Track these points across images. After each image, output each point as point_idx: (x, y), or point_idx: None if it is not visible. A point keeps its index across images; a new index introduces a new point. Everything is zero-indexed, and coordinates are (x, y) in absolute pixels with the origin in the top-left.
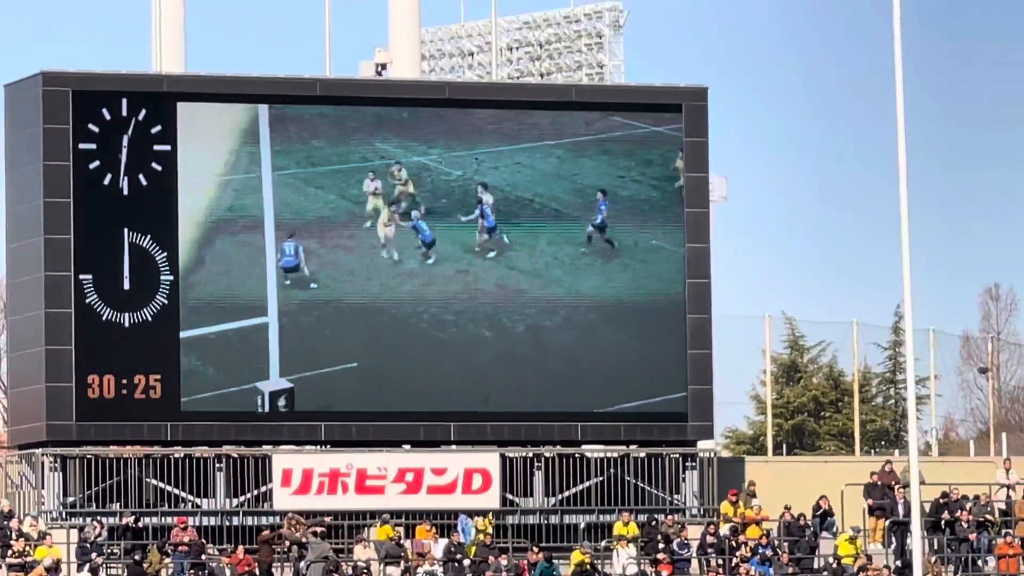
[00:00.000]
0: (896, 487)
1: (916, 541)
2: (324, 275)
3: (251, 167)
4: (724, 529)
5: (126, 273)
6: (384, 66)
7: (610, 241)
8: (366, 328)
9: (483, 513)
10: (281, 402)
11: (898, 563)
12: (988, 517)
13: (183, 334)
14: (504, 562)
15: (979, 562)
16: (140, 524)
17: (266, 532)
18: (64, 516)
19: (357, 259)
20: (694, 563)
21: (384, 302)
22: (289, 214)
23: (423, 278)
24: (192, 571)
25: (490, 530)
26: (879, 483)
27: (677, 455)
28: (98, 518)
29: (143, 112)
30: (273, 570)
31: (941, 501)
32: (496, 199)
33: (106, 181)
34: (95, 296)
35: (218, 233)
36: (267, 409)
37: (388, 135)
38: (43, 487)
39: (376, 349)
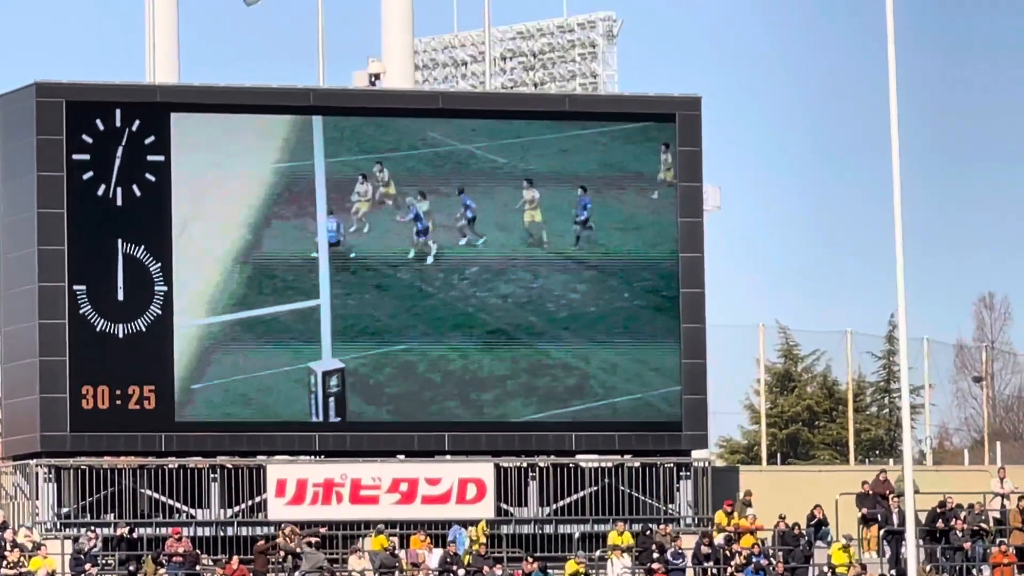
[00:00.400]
0: (891, 496)
1: (911, 550)
2: (365, 260)
3: (305, 155)
4: (718, 539)
5: (120, 284)
6: (377, 76)
7: (591, 234)
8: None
9: (476, 522)
10: (333, 381)
11: (893, 572)
12: (983, 526)
13: (238, 315)
14: (499, 572)
15: (974, 571)
16: (134, 535)
17: (261, 543)
18: (58, 527)
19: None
20: (689, 572)
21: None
22: (337, 203)
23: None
24: None
25: (483, 539)
26: (871, 492)
27: (671, 465)
28: (93, 529)
29: (137, 123)
30: None
31: (938, 510)
32: (539, 192)
33: (100, 192)
34: (89, 307)
35: (270, 219)
36: (319, 389)
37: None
38: (37, 498)
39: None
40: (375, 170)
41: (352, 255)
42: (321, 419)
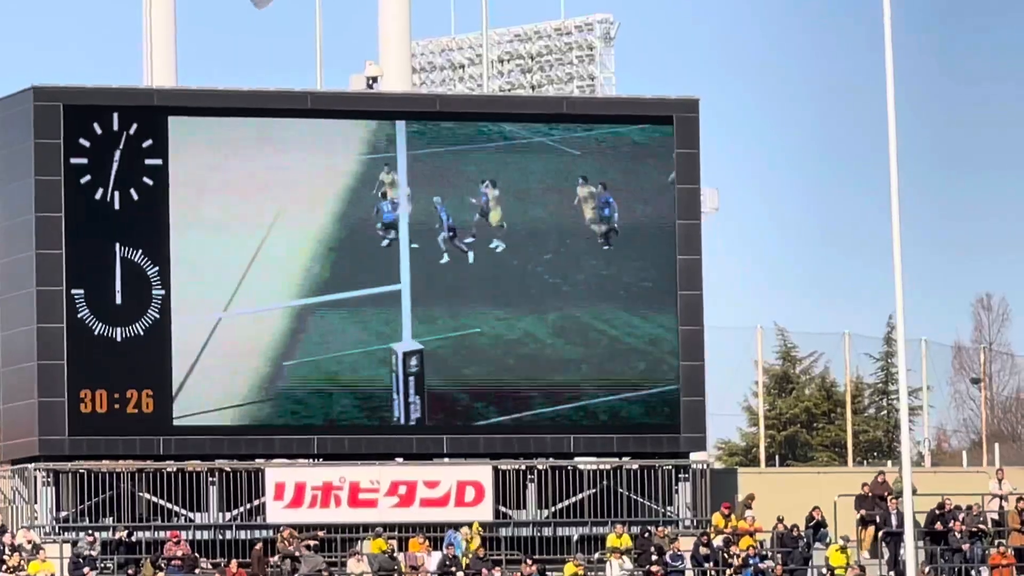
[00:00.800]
0: (889, 497)
1: (909, 551)
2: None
3: (389, 147)
4: (717, 541)
5: (118, 287)
6: (375, 79)
7: (615, 231)
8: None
9: (469, 524)
10: (413, 362)
11: (891, 574)
12: (981, 527)
13: (325, 298)
14: (497, 574)
15: (972, 572)
16: (133, 538)
17: (259, 547)
18: (57, 531)
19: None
20: (688, 574)
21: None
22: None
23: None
24: None
25: (478, 540)
26: (870, 494)
27: (670, 467)
28: (91, 532)
29: (134, 126)
30: None
31: (936, 512)
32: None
33: (97, 195)
34: (87, 311)
35: (355, 207)
36: (400, 368)
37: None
38: (36, 502)
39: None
40: (384, 172)
41: (426, 243)
42: (402, 396)
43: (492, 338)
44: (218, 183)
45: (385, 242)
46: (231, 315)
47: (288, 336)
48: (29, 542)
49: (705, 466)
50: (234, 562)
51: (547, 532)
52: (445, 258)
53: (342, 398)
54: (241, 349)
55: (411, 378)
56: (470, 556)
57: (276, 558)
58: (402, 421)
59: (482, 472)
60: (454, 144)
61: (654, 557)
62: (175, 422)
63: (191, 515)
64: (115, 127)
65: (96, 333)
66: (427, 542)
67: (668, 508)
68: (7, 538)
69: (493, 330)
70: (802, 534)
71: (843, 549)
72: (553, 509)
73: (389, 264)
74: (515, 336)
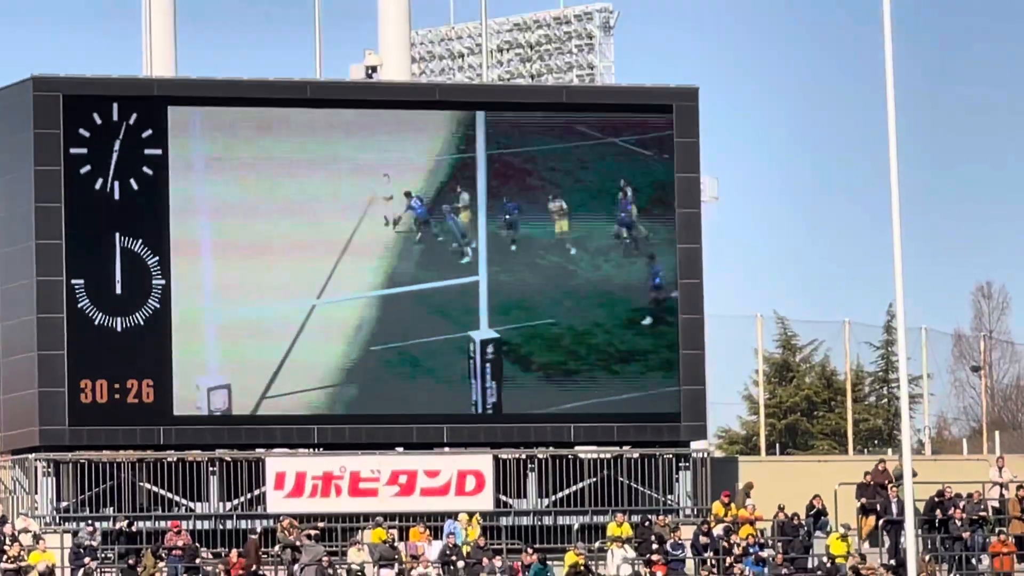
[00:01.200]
0: (889, 486)
1: (910, 540)
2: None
3: (469, 148)
4: (718, 529)
5: (118, 277)
6: (374, 68)
7: (634, 235)
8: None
9: (470, 513)
10: (490, 349)
11: (892, 562)
12: (982, 515)
13: (408, 288)
14: (498, 564)
15: (973, 560)
16: (134, 528)
17: (253, 538)
18: (58, 521)
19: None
20: (688, 563)
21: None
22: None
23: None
24: (186, 575)
25: (478, 530)
26: (871, 482)
27: (670, 455)
28: (92, 522)
29: (134, 116)
30: (266, 574)
31: (936, 500)
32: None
33: (97, 185)
34: (87, 300)
35: (436, 203)
36: (478, 355)
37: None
38: (36, 492)
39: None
40: (383, 181)
41: (504, 235)
42: (479, 381)
43: (565, 329)
44: (218, 173)
45: (467, 236)
46: (322, 303)
47: (372, 323)
48: (27, 530)
49: (705, 455)
50: (234, 551)
51: (548, 521)
52: (513, 247)
53: (424, 382)
54: (330, 335)
55: (488, 364)
56: (470, 545)
57: (276, 548)
58: (479, 408)
59: (482, 461)
60: (533, 144)
61: (655, 546)
62: (265, 403)
63: (191, 505)
64: (115, 117)
65: (96, 323)
66: (428, 531)
67: (668, 497)
68: (8, 528)
69: (566, 321)
70: (802, 523)
71: (844, 537)
72: (554, 498)
73: (463, 258)
74: (584, 328)
